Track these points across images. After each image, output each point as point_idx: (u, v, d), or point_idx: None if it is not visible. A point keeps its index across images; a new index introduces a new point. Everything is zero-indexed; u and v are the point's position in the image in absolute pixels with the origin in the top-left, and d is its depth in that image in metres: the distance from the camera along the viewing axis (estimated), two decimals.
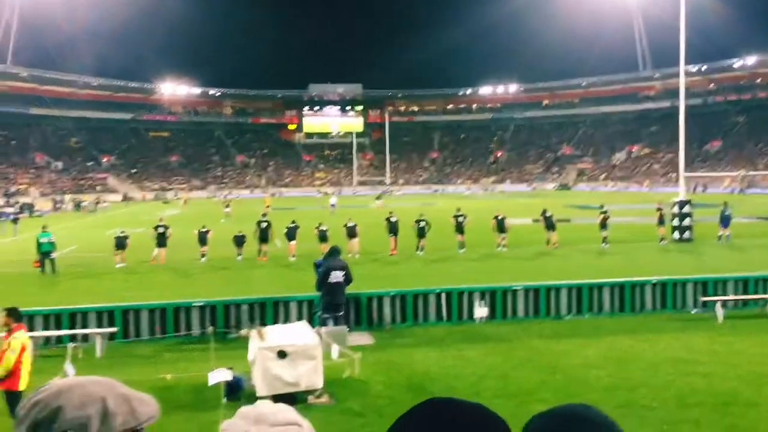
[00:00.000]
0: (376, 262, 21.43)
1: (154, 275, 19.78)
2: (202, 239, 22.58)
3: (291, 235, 22.61)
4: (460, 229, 23.60)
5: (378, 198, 53.39)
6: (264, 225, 22.65)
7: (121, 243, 21.71)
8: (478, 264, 20.63)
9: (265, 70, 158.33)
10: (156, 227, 22.45)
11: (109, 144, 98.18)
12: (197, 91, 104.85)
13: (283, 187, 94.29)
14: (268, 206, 48.45)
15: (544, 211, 24.83)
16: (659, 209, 25.10)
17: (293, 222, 23.01)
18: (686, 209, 25.64)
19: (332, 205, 46.79)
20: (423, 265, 20.59)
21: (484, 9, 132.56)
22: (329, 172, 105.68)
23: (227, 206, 44.44)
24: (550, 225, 24.23)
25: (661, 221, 24.91)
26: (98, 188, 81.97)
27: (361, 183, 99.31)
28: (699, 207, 29.56)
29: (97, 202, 63.18)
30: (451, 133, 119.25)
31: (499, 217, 23.88)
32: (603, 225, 24.35)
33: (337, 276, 11.11)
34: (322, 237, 22.37)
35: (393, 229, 23.32)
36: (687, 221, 25.55)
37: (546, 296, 13.63)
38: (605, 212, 24.65)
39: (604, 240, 24.17)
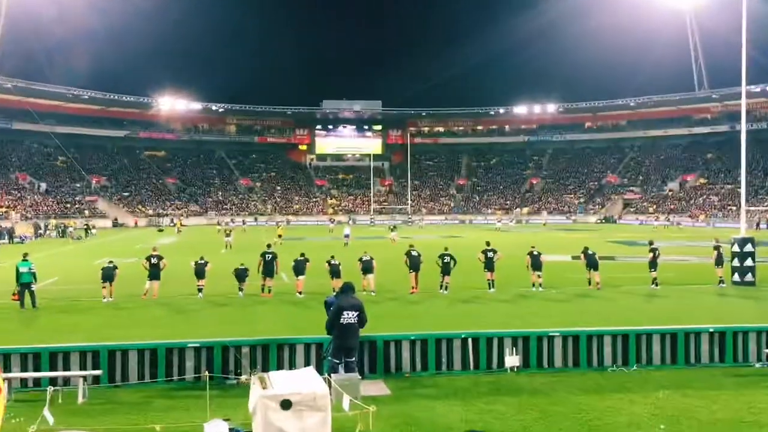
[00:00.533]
0: (395, 301, 21.37)
1: (145, 311, 19.86)
2: (200, 272, 22.69)
3: (299, 269, 22.62)
4: (489, 265, 23.49)
5: (392, 229, 52.92)
6: (269, 257, 22.70)
7: (108, 274, 21.83)
8: (510, 306, 20.49)
9: (273, 84, 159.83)
10: (148, 257, 22.58)
11: (99, 164, 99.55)
12: (198, 106, 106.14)
13: (292, 215, 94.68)
14: (280, 236, 48.77)
15: (586, 248, 24.68)
16: (717, 247, 24.81)
17: (302, 255, 23.06)
18: (748, 248, 25.33)
19: (346, 236, 46.90)
20: (447, 306, 20.48)
21: (518, 19, 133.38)
22: (343, 198, 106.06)
23: (228, 235, 44.74)
24: (592, 263, 24.05)
25: (718, 261, 24.59)
26: (86, 213, 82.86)
27: (379, 212, 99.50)
28: (763, 245, 29.23)
29: (87, 228, 63.87)
30: (480, 157, 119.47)
31: (534, 253, 23.76)
32: (652, 264, 24.12)
33: (349, 316, 11.09)
34: (334, 272, 22.36)
35: (414, 264, 23.28)
36: (749, 261, 25.23)
37: (587, 344, 13.49)
38: (655, 249, 24.42)
39: (654, 281, 23.93)
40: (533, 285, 23.52)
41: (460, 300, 21.54)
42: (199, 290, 22.41)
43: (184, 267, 26.16)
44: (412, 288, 22.90)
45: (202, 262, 22.90)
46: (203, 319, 18.46)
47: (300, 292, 22.24)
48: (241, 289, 22.56)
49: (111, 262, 22.48)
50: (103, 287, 21.71)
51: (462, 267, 24.52)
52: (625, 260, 35.33)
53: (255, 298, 22.08)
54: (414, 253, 23.45)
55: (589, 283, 23.94)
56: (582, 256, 24.61)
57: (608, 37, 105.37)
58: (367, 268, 22.81)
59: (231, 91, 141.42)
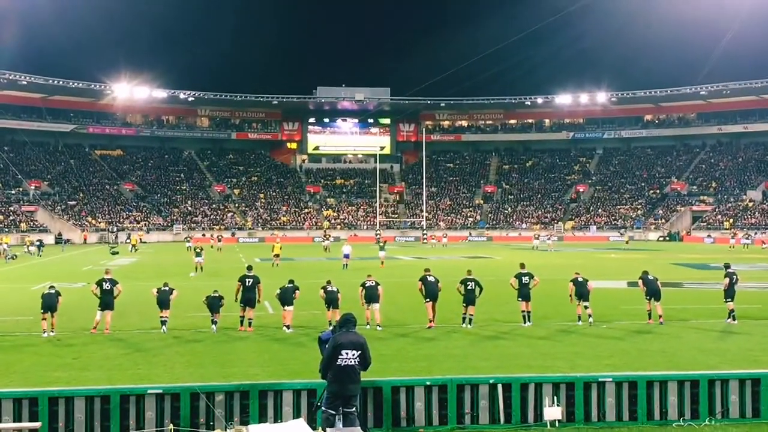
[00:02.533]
0: (406, 338, 21.34)
1: (95, 348, 19.86)
2: (164, 301, 22.68)
3: (286, 298, 22.58)
4: (524, 293, 23.43)
5: (381, 247, 51.06)
6: (249, 282, 22.69)
7: (50, 303, 21.84)
8: (550, 343, 20.43)
9: (255, 68, 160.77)
10: (100, 282, 22.58)
11: (38, 165, 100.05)
12: (162, 94, 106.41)
13: (277, 230, 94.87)
14: (277, 255, 48.79)
15: (645, 272, 24.61)
16: None
17: (290, 281, 23.04)
18: None
19: (345, 256, 46.89)
20: (471, 343, 20.44)
21: None
22: (342, 209, 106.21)
23: (198, 254, 44.74)
24: (652, 291, 23.98)
25: None
26: (22, 225, 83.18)
27: (387, 225, 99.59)
28: None
29: (31, 244, 64.14)
30: (513, 158, 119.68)
31: (579, 279, 23.69)
32: (729, 292, 24.02)
33: (349, 356, 11.05)
34: (331, 300, 22.34)
35: (430, 291, 23.25)
36: None
37: (647, 392, 13.43)
38: (732, 274, 24.32)
39: (731, 314, 23.83)
40: (579, 318, 23.46)
41: (488, 336, 21.49)
42: (163, 323, 22.42)
43: (143, 294, 26.19)
44: (429, 321, 22.86)
45: (167, 289, 22.89)
46: (167, 359, 18.46)
47: (287, 326, 22.23)
48: (214, 322, 22.55)
49: (53, 287, 22.50)
50: (43, 319, 21.72)
51: (490, 295, 24.46)
52: (695, 287, 35.20)
53: (232, 332, 22.07)
54: (430, 278, 23.38)
55: (650, 316, 23.85)
56: (640, 282, 24.52)
57: (672, 11, 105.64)
58: (371, 296, 22.74)
59: (203, 77, 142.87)
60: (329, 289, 22.59)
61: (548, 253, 63.41)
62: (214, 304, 22.69)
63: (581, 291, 23.47)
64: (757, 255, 60.71)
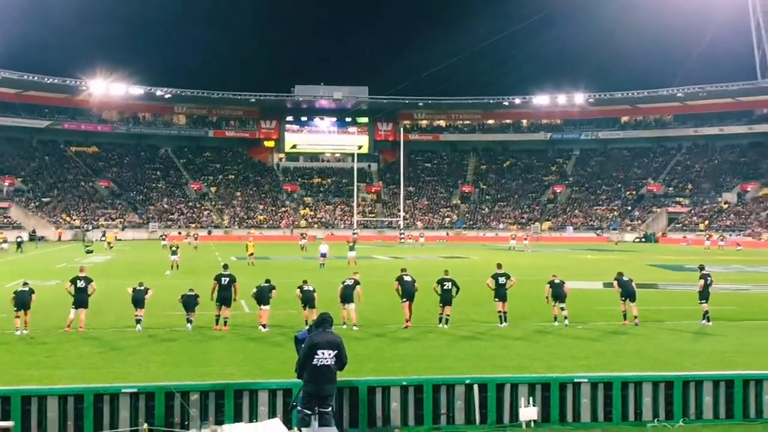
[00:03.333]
0: (382, 338, 21.34)
1: (68, 347, 19.73)
2: (139, 300, 22.56)
3: (262, 296, 22.54)
4: (501, 294, 23.48)
5: (351, 247, 49.79)
6: (225, 281, 22.61)
7: (23, 300, 21.67)
8: (526, 344, 20.50)
9: (233, 66, 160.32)
10: (74, 280, 22.44)
11: (12, 162, 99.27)
12: (139, 91, 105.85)
13: (254, 228, 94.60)
14: (251, 254, 48.86)
15: (620, 273, 24.73)
16: None
17: (267, 281, 22.98)
18: None
19: (322, 255, 46.86)
20: (448, 343, 20.46)
21: None
22: (319, 208, 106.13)
23: (174, 252, 44.53)
24: (627, 292, 24.11)
25: None
26: None
27: (364, 225, 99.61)
28: None
29: (4, 241, 63.64)
30: (491, 158, 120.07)
31: (556, 281, 23.77)
32: (703, 294, 24.18)
33: (325, 356, 11.02)
34: (307, 300, 22.31)
35: (407, 291, 23.26)
36: None
37: (621, 392, 13.51)
38: (707, 276, 24.50)
39: (705, 315, 24.00)
40: (555, 319, 23.55)
41: (464, 336, 21.52)
42: (138, 321, 22.31)
43: (118, 292, 26.05)
44: (406, 321, 22.86)
45: (142, 288, 22.75)
46: (142, 358, 18.36)
47: (264, 325, 22.18)
48: (189, 321, 22.46)
49: (26, 284, 22.33)
50: (16, 316, 21.55)
51: (466, 295, 24.51)
52: (670, 288, 35.42)
53: (207, 331, 21.99)
54: (407, 278, 23.39)
55: (625, 317, 23.97)
56: (615, 283, 24.64)
57: (650, 14, 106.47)
58: (347, 295, 22.72)
59: (180, 74, 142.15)
60: (305, 288, 22.56)
61: (525, 254, 63.63)
62: (189, 302, 22.61)
63: (557, 292, 23.56)
64: (732, 257, 61.21)
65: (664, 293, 33.65)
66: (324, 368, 10.89)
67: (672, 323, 24.12)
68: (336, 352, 11.00)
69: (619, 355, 18.75)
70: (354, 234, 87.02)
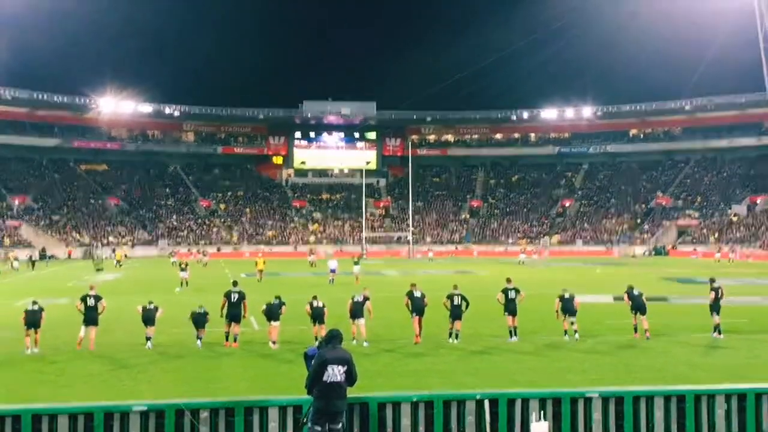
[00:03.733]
0: (392, 353, 21.30)
1: (79, 365, 19.75)
2: (149, 318, 22.59)
3: (272, 313, 22.55)
4: (511, 308, 23.45)
5: (355, 262, 49.81)
6: (235, 297, 22.63)
7: (33, 319, 21.72)
8: (537, 359, 20.44)
9: (241, 83, 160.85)
10: (84, 298, 22.49)
11: (23, 180, 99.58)
12: (148, 109, 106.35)
13: (263, 244, 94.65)
14: (260, 270, 48.92)
15: (630, 287, 24.66)
16: None
17: (276, 297, 22.99)
18: None
19: (332, 271, 46.88)
20: (458, 359, 20.42)
21: (545, 4, 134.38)
22: (328, 224, 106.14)
23: (183, 269, 44.62)
24: (638, 306, 24.03)
25: None
26: (6, 241, 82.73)
27: (373, 241, 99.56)
28: None
29: (15, 260, 63.87)
30: (499, 172, 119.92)
31: (566, 296, 23.71)
32: (714, 307, 24.09)
33: (335, 372, 11.01)
34: (317, 316, 22.32)
35: (416, 306, 23.24)
36: None
37: (633, 407, 13.43)
38: (717, 289, 24.41)
39: (717, 328, 23.90)
40: (565, 333, 23.49)
41: (474, 351, 21.48)
42: (148, 339, 22.33)
43: (128, 310, 26.09)
44: (416, 336, 22.85)
45: (152, 307, 22.77)
46: (152, 376, 18.38)
47: (274, 342, 22.17)
48: (199, 338, 22.48)
49: (36, 303, 22.36)
50: (27, 335, 21.59)
51: (476, 310, 24.45)
52: (680, 302, 35.31)
53: (217, 348, 21.99)
54: (416, 293, 23.40)
55: (635, 331, 23.90)
56: (626, 296, 24.58)
57: (657, 25, 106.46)
58: (357, 311, 22.73)
59: (189, 91, 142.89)
60: (315, 304, 22.57)
61: (535, 268, 63.46)
62: (199, 319, 22.63)
63: (568, 307, 23.50)
64: (743, 269, 60.96)
65: (675, 306, 33.55)
66: (334, 385, 10.90)
67: (683, 336, 24.04)
68: (346, 368, 11.02)
69: (631, 369, 18.69)
70: (363, 249, 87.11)
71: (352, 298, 22.96)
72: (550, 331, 24.16)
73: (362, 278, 46.06)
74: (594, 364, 19.34)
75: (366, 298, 23.02)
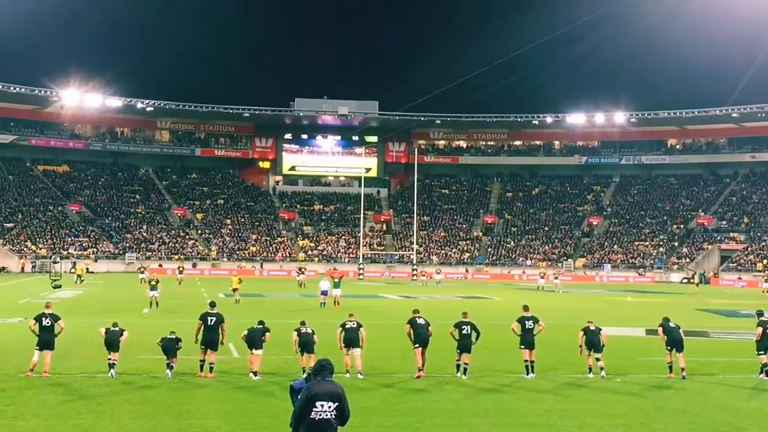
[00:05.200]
0: (391, 388, 21.28)
1: (31, 394, 19.72)
2: (112, 341, 22.55)
3: (254, 339, 22.50)
4: (527, 340, 23.40)
5: (336, 284, 47.55)
6: (212, 321, 22.57)
7: None
8: (556, 398, 20.41)
9: (225, 76, 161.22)
10: (39, 317, 22.45)
11: None
12: (117, 103, 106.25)
13: (245, 261, 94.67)
14: (235, 289, 48.87)
15: (666, 319, 24.64)
16: None
17: (260, 322, 22.96)
18: None
19: (323, 293, 46.82)
20: (466, 396, 20.39)
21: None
22: (321, 238, 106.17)
23: (154, 287, 44.54)
24: (674, 341, 24.00)
25: None
26: None
27: (371, 259, 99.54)
28: None
29: None
30: (517, 184, 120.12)
31: (591, 328, 23.68)
32: (762, 344, 24.07)
33: (324, 408, 10.97)
34: (305, 344, 22.30)
35: (420, 336, 23.18)
36: None
37: None
38: (766, 323, 24.41)
39: (764, 368, 23.87)
40: (590, 370, 23.46)
41: (485, 389, 21.45)
42: (111, 366, 22.30)
43: (89, 332, 26.06)
44: (418, 370, 22.82)
45: (116, 329, 22.74)
46: (114, 408, 18.34)
47: (255, 372, 22.15)
48: (170, 367, 22.44)
49: None
50: None
51: (489, 341, 24.44)
52: (722, 337, 35.29)
53: (190, 378, 21.96)
54: (420, 320, 23.34)
55: (671, 370, 23.87)
56: (660, 330, 24.55)
57: (700, 23, 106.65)
58: (351, 339, 22.67)
59: (165, 85, 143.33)
60: (303, 330, 22.54)
61: (556, 294, 63.45)
62: (170, 347, 22.57)
63: (593, 341, 23.45)
64: None
65: (716, 342, 33.51)
66: (323, 422, 10.76)
67: (725, 377, 24.01)
68: (337, 404, 10.87)
69: (663, 413, 18.65)
70: (360, 268, 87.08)
71: (344, 326, 22.88)
72: (572, 368, 24.12)
73: (360, 303, 46.03)
74: (621, 407, 19.31)
75: (360, 325, 22.96)
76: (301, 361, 22.07)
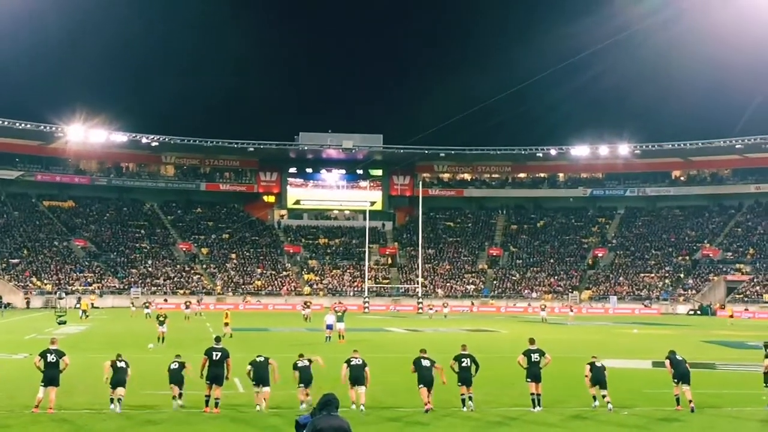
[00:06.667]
0: (395, 423, 21.20)
1: (37, 431, 19.69)
2: (118, 379, 22.44)
3: (260, 375, 22.44)
4: (533, 373, 23.32)
5: (339, 318, 46.75)
6: (217, 356, 22.54)
7: None
8: None
9: (229, 111, 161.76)
10: (44, 353, 22.43)
11: None
12: (122, 138, 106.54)
13: (250, 295, 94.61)
14: (226, 324, 48.75)
15: (672, 352, 24.57)
16: None
17: (260, 356, 22.86)
18: None
19: (328, 327, 46.67)
20: (473, 430, 20.33)
21: (576, 27, 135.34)
22: (326, 272, 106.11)
23: (162, 323, 44.48)
24: (681, 373, 23.91)
25: None
26: None
27: (376, 292, 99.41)
28: None
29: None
30: (522, 217, 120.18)
31: (597, 364, 23.58)
32: None
33: None
34: (304, 377, 22.31)
35: (424, 378, 22.77)
36: None
37: None
38: None
39: None
40: (594, 399, 23.36)
41: (491, 422, 21.35)
42: (117, 401, 22.22)
43: (94, 368, 26.00)
44: (426, 404, 22.68)
45: (123, 365, 22.61)
46: None
47: (260, 405, 22.08)
48: (179, 396, 22.41)
49: None
50: None
51: (494, 375, 24.36)
52: (730, 369, 35.12)
53: (196, 414, 21.91)
54: (425, 362, 23.16)
55: (678, 402, 23.78)
56: (668, 362, 24.47)
57: (704, 55, 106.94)
58: (357, 377, 22.55)
59: (169, 120, 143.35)
60: (300, 364, 22.54)
61: (563, 327, 63.26)
62: (176, 375, 22.54)
63: (599, 378, 23.37)
64: None
65: (724, 374, 33.36)
66: None
67: (733, 410, 23.90)
68: None
69: None
70: (365, 302, 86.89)
71: (349, 362, 22.76)
72: (579, 401, 24.01)
73: (363, 337, 45.94)
74: None
75: (365, 363, 22.85)
76: (300, 394, 22.14)
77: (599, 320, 77.72)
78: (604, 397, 23.34)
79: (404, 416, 22.00)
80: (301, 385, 22.28)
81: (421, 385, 22.90)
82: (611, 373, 23.86)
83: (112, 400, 22.19)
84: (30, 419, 21.03)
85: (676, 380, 23.94)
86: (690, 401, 23.41)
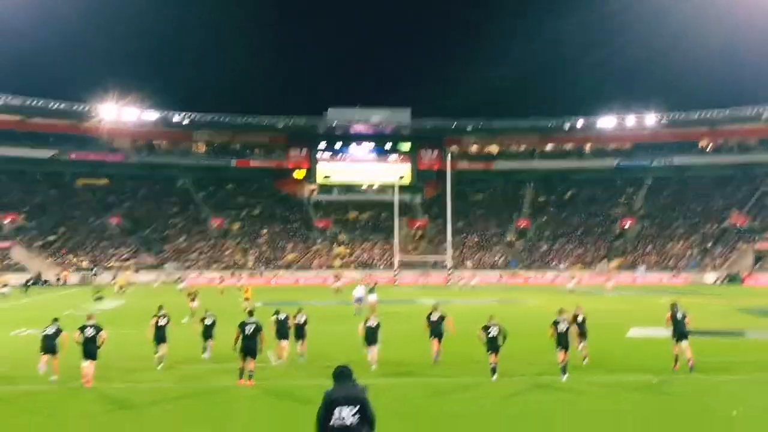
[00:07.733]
0: (424, 390, 21.15)
1: (74, 404, 19.83)
2: (161, 334, 23.93)
3: (281, 330, 24.89)
4: (562, 341, 23.22)
5: (371, 290, 47.74)
6: (250, 329, 22.56)
7: (49, 345, 23.07)
8: (596, 401, 20.22)
9: (259, 88, 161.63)
10: (82, 328, 22.60)
11: (14, 196, 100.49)
12: (154, 116, 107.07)
13: (282, 269, 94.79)
14: (247, 299, 49.13)
15: (674, 305, 24.49)
16: None
17: (276, 311, 24.43)
18: None
19: (357, 300, 46.71)
20: (500, 401, 20.21)
21: (602, 1, 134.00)
22: (356, 246, 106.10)
23: (193, 299, 44.62)
24: (680, 332, 23.82)
25: None
26: None
27: (407, 265, 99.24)
28: None
29: (4, 285, 64.30)
30: (550, 188, 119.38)
31: (579, 319, 25.41)
32: None
33: (343, 414, 10.36)
34: (294, 331, 25.24)
35: (435, 329, 25.17)
36: None
37: None
38: None
39: None
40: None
41: (521, 390, 21.24)
42: (160, 360, 22.79)
43: (130, 343, 26.18)
44: (435, 353, 24.27)
45: (164, 322, 24.20)
46: (157, 418, 18.40)
47: (281, 357, 22.76)
48: (205, 349, 23.13)
49: (57, 322, 23.38)
50: (44, 359, 22.73)
51: (524, 342, 24.29)
52: (760, 337, 34.83)
53: (230, 386, 22.00)
54: (434, 317, 25.27)
55: (676, 361, 23.72)
56: (668, 317, 24.38)
57: (731, 22, 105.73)
58: (371, 336, 23.82)
59: (200, 97, 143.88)
60: (279, 318, 25.58)
61: (590, 295, 62.76)
62: (207, 331, 25.21)
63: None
64: None
65: (754, 343, 33.05)
66: (343, 429, 10.29)
67: (762, 374, 23.66)
68: (359, 407, 10.38)
69: (704, 416, 18.42)
70: (395, 274, 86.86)
71: (365, 322, 23.95)
72: (612, 366, 23.97)
73: (392, 309, 46.01)
74: (657, 408, 19.08)
75: (377, 324, 24.41)
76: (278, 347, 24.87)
77: (626, 289, 77.21)
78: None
79: (437, 384, 21.96)
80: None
81: (433, 337, 24.79)
82: (653, 343, 23.71)
83: (159, 359, 22.90)
84: (68, 393, 21.19)
85: (675, 338, 23.93)
86: (689, 359, 23.30)
